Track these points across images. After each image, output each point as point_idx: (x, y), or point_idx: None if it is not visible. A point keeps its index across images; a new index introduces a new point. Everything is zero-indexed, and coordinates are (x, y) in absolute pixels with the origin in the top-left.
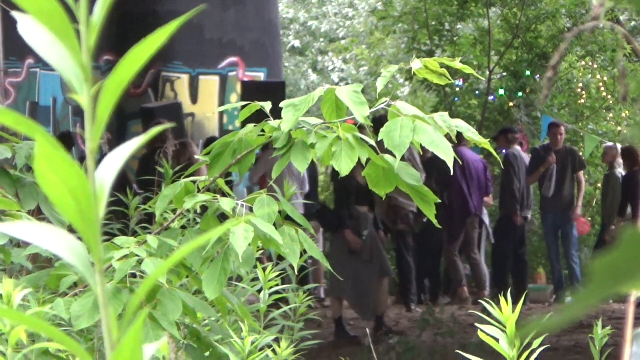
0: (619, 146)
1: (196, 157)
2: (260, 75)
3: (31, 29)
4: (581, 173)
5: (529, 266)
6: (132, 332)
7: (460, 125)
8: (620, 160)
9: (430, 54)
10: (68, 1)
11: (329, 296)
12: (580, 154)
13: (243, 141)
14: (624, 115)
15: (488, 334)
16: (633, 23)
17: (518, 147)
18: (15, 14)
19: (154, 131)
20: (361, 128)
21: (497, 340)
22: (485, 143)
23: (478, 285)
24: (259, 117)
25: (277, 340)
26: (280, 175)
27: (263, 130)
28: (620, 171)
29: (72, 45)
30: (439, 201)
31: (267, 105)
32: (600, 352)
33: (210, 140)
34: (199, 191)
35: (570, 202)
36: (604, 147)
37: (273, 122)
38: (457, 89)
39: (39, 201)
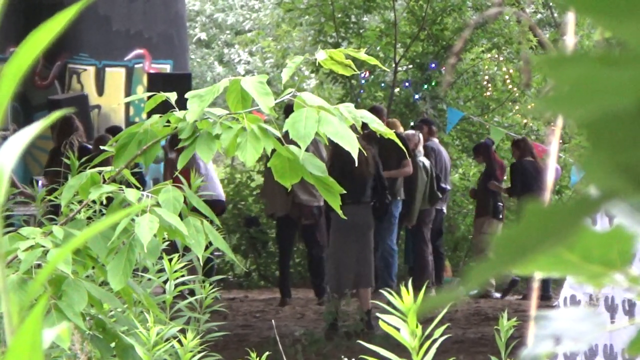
0: (420, 134)
1: (102, 147)
2: (167, 67)
3: None
4: (405, 162)
5: (444, 258)
6: (32, 316)
7: (365, 115)
8: (421, 148)
9: (337, 46)
10: None
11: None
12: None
13: (148, 132)
14: (529, 107)
15: (389, 324)
16: (539, 15)
17: (436, 140)
18: None
19: (54, 116)
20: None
21: (398, 330)
22: (390, 134)
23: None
24: (164, 108)
25: (182, 331)
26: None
27: (169, 121)
28: (422, 159)
29: None
30: (344, 192)
31: (173, 96)
32: (505, 345)
33: (111, 130)
34: (104, 182)
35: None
36: (406, 135)
37: (178, 113)
38: (363, 81)
39: None
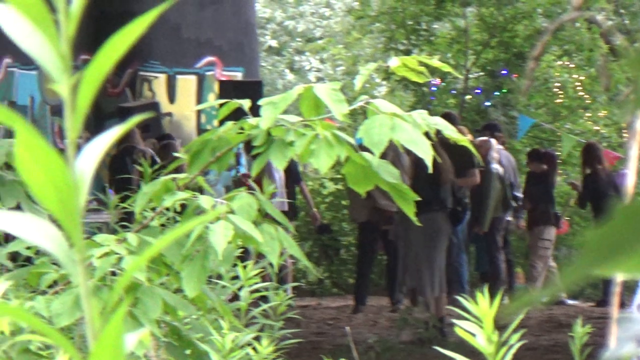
0: (493, 141)
1: (175, 154)
2: (238, 75)
3: (9, 18)
4: (472, 170)
5: (514, 265)
6: (114, 321)
7: (439, 122)
8: (493, 154)
9: (408, 53)
10: None
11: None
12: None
13: (222, 139)
14: (600, 114)
15: (465, 330)
16: (609, 22)
17: (500, 146)
18: None
19: (132, 122)
20: None
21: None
22: (464, 140)
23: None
24: (237, 115)
25: (257, 338)
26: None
27: (242, 128)
28: (496, 166)
29: (51, 34)
30: (419, 199)
31: (246, 103)
32: (579, 351)
33: (162, 138)
34: (178, 189)
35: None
36: (477, 141)
37: (252, 120)
38: (434, 89)
39: (19, 199)
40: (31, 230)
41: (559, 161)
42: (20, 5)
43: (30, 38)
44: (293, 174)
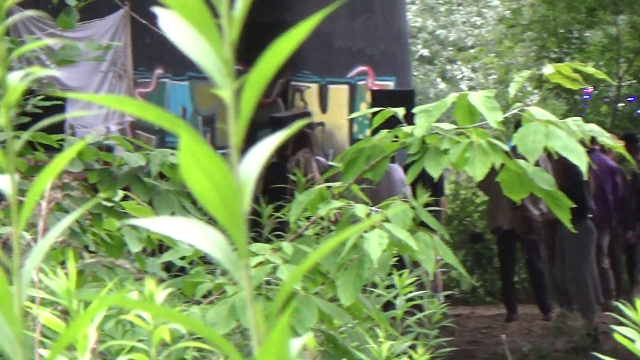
0: None
1: (330, 163)
2: (390, 84)
3: (172, 23)
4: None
5: None
6: (279, 327)
7: (594, 129)
8: None
9: (559, 61)
10: None
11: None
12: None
13: (376, 147)
14: None
15: (624, 336)
16: None
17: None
18: (155, 9)
19: (291, 129)
20: None
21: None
22: (619, 147)
23: (605, 293)
24: (389, 125)
25: (412, 347)
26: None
27: (396, 136)
28: None
29: (213, 39)
30: (574, 205)
31: (400, 111)
32: None
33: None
34: (333, 197)
35: None
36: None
37: (406, 128)
38: (586, 97)
39: (173, 209)
40: (195, 235)
41: None
42: (183, 10)
43: (193, 43)
44: (438, 186)
